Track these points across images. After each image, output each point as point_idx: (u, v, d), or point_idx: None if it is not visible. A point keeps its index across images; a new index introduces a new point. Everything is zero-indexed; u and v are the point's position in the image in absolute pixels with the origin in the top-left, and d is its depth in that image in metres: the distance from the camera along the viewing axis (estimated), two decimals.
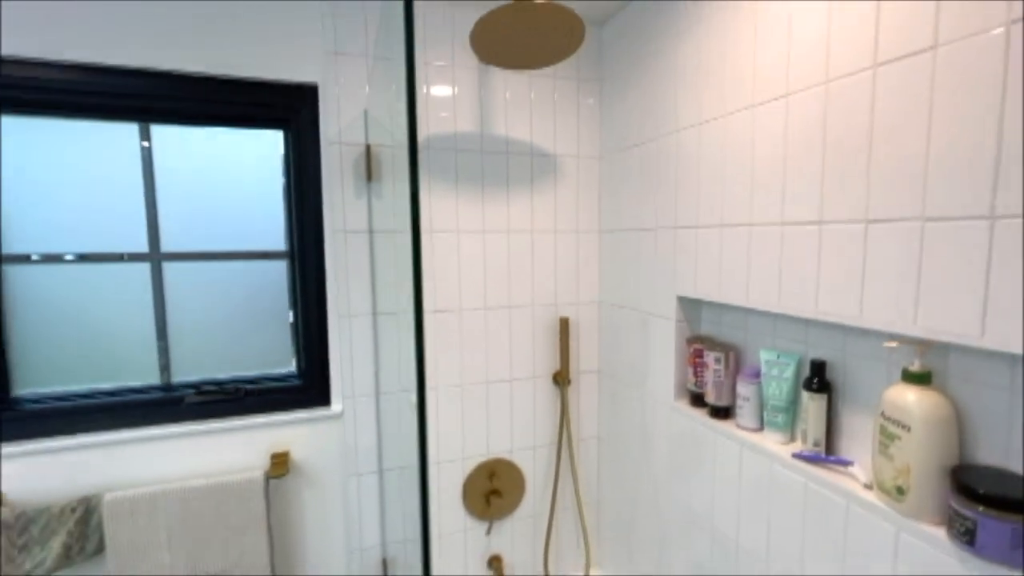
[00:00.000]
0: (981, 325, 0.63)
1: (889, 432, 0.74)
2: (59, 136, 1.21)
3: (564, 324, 1.50)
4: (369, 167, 1.31)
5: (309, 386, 1.37)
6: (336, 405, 1.36)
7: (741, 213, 1.00)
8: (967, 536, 0.65)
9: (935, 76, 0.67)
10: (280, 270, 1.39)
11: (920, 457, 0.70)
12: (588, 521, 1.60)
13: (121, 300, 1.27)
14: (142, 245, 1.27)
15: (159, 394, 1.29)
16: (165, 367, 1.30)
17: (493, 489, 1.51)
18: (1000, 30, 0.60)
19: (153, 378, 1.30)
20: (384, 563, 1.42)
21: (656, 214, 1.27)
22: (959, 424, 0.70)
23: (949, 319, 0.66)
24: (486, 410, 1.48)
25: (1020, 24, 0.59)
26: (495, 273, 1.45)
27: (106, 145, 1.24)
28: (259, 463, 1.30)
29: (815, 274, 0.85)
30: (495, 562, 1.54)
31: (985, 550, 0.63)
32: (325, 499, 1.37)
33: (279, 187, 1.36)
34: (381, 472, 1.40)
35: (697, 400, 1.19)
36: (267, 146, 1.35)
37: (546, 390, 1.55)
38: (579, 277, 1.55)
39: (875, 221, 0.75)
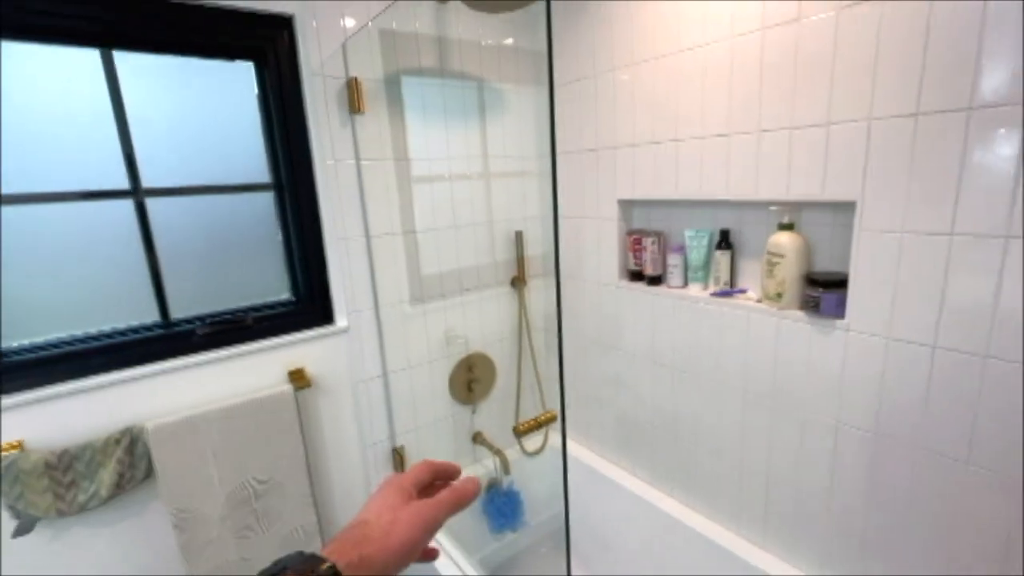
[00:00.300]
0: (822, 188, 1.11)
1: (772, 262, 1.23)
2: (22, 68, 1.10)
3: (519, 237, 1.81)
4: (352, 99, 1.41)
5: (311, 307, 1.49)
6: (341, 321, 1.52)
7: (668, 131, 1.40)
8: (815, 307, 1.15)
9: (801, 36, 1.10)
10: (266, 202, 1.44)
11: (792, 271, 1.19)
12: (544, 392, 2.00)
13: (109, 241, 1.23)
14: (122, 183, 1.23)
15: (162, 331, 1.31)
16: (163, 305, 1.31)
17: (473, 378, 1.82)
18: None
19: (152, 317, 1.31)
20: (393, 451, 1.66)
21: (597, 137, 1.62)
22: (808, 251, 1.21)
23: (807, 187, 1.14)
24: (462, 313, 1.75)
25: None
26: (461, 196, 1.68)
27: (71, 79, 1.15)
28: (280, 380, 1.42)
29: (725, 170, 1.29)
30: (478, 437, 1.88)
31: (825, 311, 1.14)
32: (339, 404, 1.54)
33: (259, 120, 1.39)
34: (386, 375, 1.60)
35: (635, 276, 1.62)
36: (246, 80, 1.36)
37: (507, 292, 1.87)
38: (525, 196, 1.86)
39: (765, 131, 1.19)
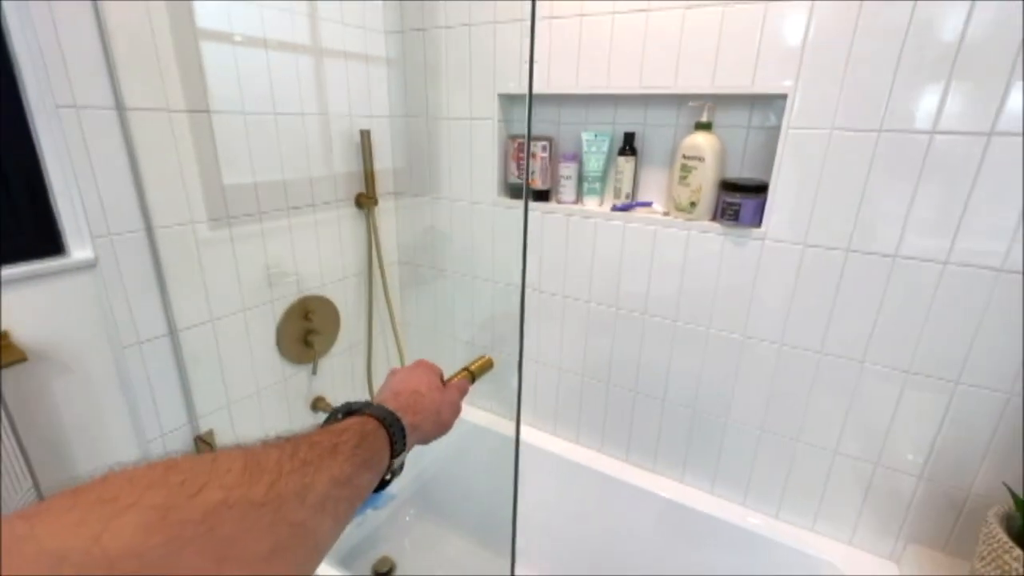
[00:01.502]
0: (752, 79, 0.99)
1: (688, 167, 1.09)
2: None
3: (366, 137, 1.36)
4: None
5: (13, 227, 0.85)
6: (80, 251, 0.91)
7: (571, 5, 1.13)
8: (733, 216, 1.06)
9: None
10: None
11: (709, 177, 1.07)
12: (402, 343, 1.65)
13: None
14: None
15: None
16: None
17: (310, 329, 1.36)
18: None
19: None
20: (197, 441, 1.15)
21: (470, 11, 1.25)
22: (724, 155, 1.10)
23: (735, 77, 1.00)
24: (290, 241, 1.27)
25: None
26: (280, 71, 1.16)
27: None
28: None
29: (639, 54, 1.08)
30: (320, 403, 1.45)
31: (744, 220, 1.06)
32: (90, 384, 0.96)
33: None
34: (174, 333, 1.06)
35: (515, 192, 1.36)
36: None
37: (350, 214, 1.42)
38: (369, 85, 1.40)
39: (692, 6, 1.01)
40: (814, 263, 1.02)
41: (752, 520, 1.21)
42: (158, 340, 1.04)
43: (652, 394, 1.28)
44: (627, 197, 1.22)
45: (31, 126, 0.84)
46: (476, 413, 1.60)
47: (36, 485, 0.86)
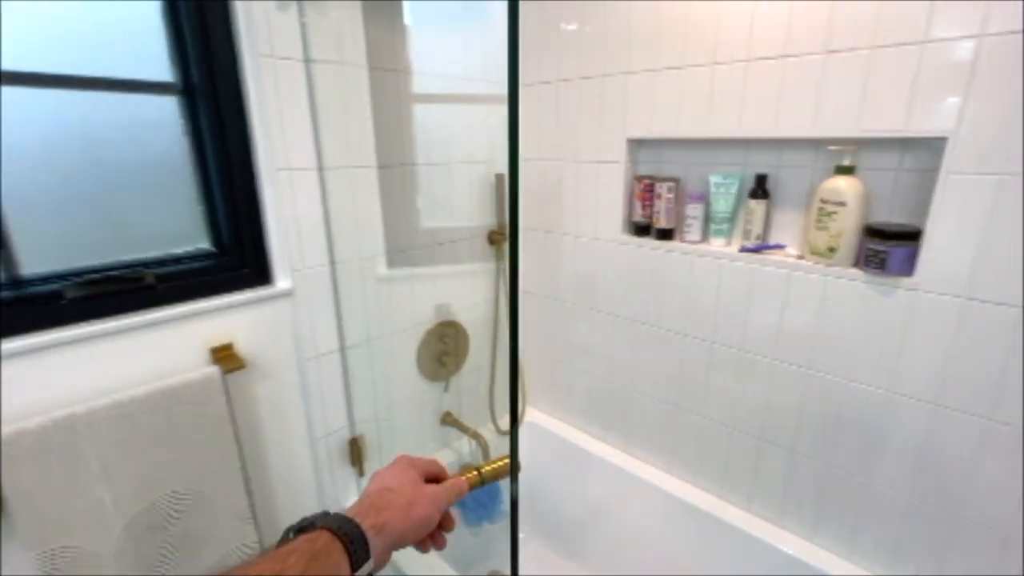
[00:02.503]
0: (907, 122, 0.94)
1: (827, 211, 1.06)
2: None
3: (500, 181, 1.51)
4: None
5: (241, 262, 1.11)
6: (283, 281, 1.14)
7: (702, 52, 1.16)
8: (879, 264, 1.00)
9: None
10: (170, 112, 1.01)
11: (851, 222, 1.03)
12: (523, 368, 1.76)
13: None
14: None
15: (7, 293, 0.87)
16: (5, 252, 0.87)
17: (444, 351, 1.53)
18: None
19: None
20: (352, 443, 1.34)
21: (604, 63, 1.34)
22: (868, 199, 1.05)
23: (884, 120, 0.96)
24: (433, 273, 1.44)
25: None
26: (435, 125, 1.35)
27: None
28: (201, 361, 1.04)
29: (775, 101, 1.08)
30: (448, 417, 1.60)
31: (891, 269, 0.99)
32: (282, 389, 1.19)
33: None
34: (343, 350, 1.26)
35: (640, 230, 1.40)
36: None
37: (482, 249, 1.57)
38: (507, 133, 1.54)
39: (834, 51, 0.99)
40: (979, 319, 0.92)
41: None
42: (331, 355, 1.25)
43: (779, 442, 1.23)
44: (758, 239, 1.20)
45: (259, 185, 1.09)
46: (594, 444, 1.64)
47: (244, 466, 1.08)
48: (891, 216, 1.04)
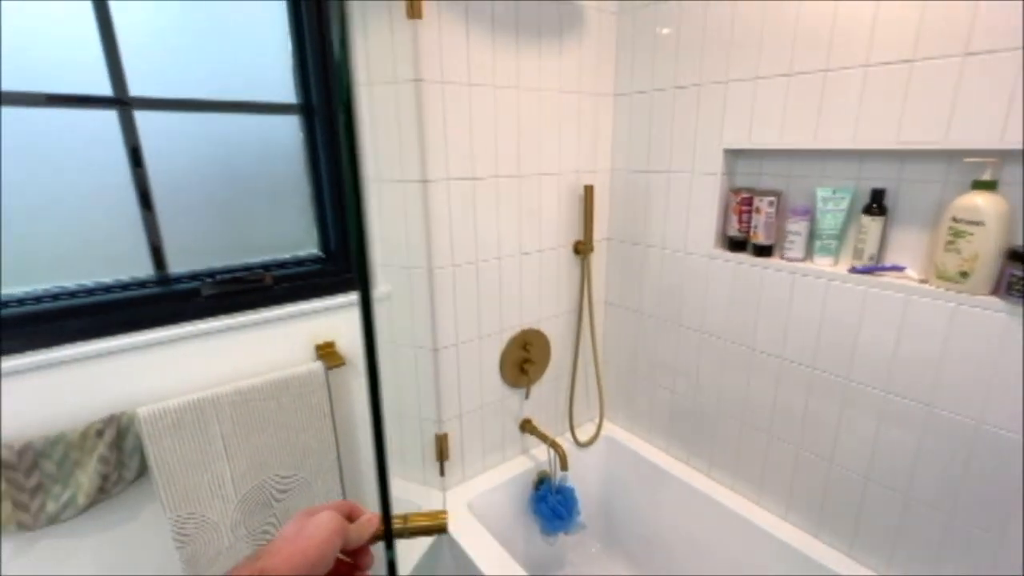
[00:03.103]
0: None
1: (959, 232, 0.94)
2: None
3: (589, 192, 1.50)
4: None
5: (345, 267, 1.20)
6: (382, 285, 1.22)
7: (814, 58, 1.09)
8: (1022, 291, 0.88)
9: None
10: (291, 131, 1.12)
11: (990, 244, 0.91)
12: (604, 379, 1.74)
13: (84, 168, 0.92)
14: (103, 89, 0.91)
15: (156, 289, 1.01)
16: (157, 254, 1.01)
17: (526, 358, 1.55)
18: None
19: (142, 270, 1.01)
20: (437, 439, 1.40)
21: (701, 70, 1.30)
22: (1010, 219, 0.92)
23: None
24: (519, 281, 1.47)
25: None
26: (527, 137, 1.37)
27: None
28: (306, 356, 1.14)
29: (899, 109, 0.99)
30: (527, 425, 1.62)
31: None
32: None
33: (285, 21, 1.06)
34: (435, 351, 1.32)
35: (735, 245, 1.34)
36: None
37: (568, 259, 1.57)
38: (596, 143, 1.54)
39: (972, 53, 0.89)
40: None
41: None
42: (424, 355, 1.32)
43: (890, 484, 1.11)
44: (871, 259, 1.10)
45: (365, 196, 1.17)
46: (675, 464, 1.58)
47: (339, 455, 1.17)
48: None
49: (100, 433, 0.87)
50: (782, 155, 1.24)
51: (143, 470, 0.94)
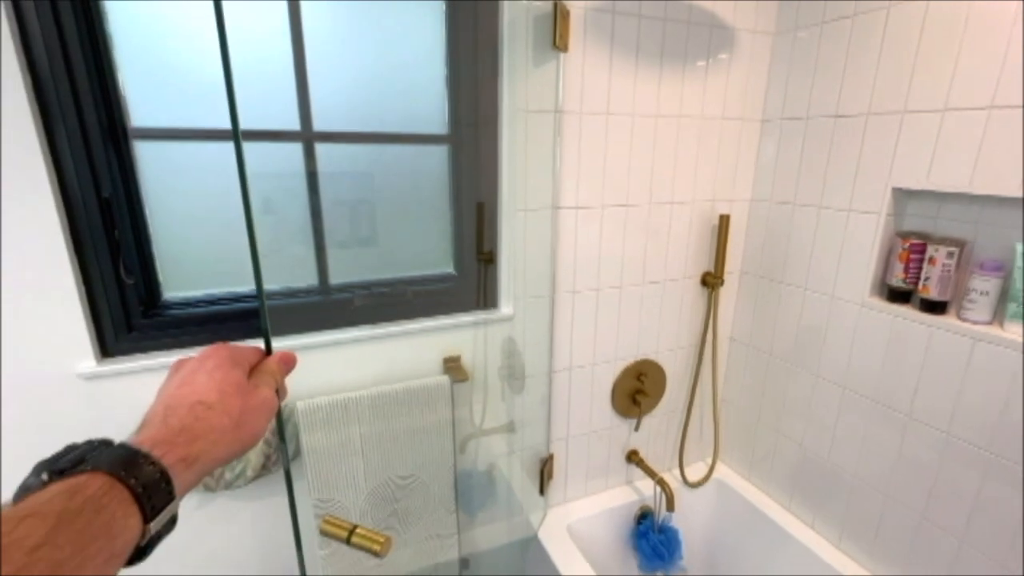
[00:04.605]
0: None
1: None
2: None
3: (724, 222, 1.42)
4: (556, 30, 1.11)
5: (475, 287, 1.27)
6: (506, 307, 1.28)
7: (1013, 88, 0.92)
8: None
9: None
10: (438, 160, 1.21)
11: None
12: (720, 419, 1.64)
13: (273, 189, 1.08)
14: (292, 124, 1.06)
15: (319, 297, 1.15)
16: (322, 267, 1.16)
17: (639, 389, 1.51)
18: None
19: (310, 280, 1.16)
20: (543, 461, 1.43)
21: (871, 98, 1.17)
22: None
23: None
24: (640, 310, 1.44)
25: None
26: (662, 164, 1.33)
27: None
28: (435, 368, 1.22)
29: None
30: (633, 456, 1.58)
31: None
32: (492, 402, 1.33)
33: (442, 61, 1.15)
34: (550, 374, 1.35)
35: (896, 296, 1.18)
36: (432, 16, 1.12)
37: (694, 291, 1.51)
38: (737, 171, 1.45)
39: None
40: None
41: None
42: (539, 377, 1.35)
43: None
44: None
45: (499, 221, 1.23)
46: (794, 523, 1.44)
47: (455, 464, 1.24)
48: None
49: None
50: (969, 199, 1.07)
51: (297, 454, 1.08)
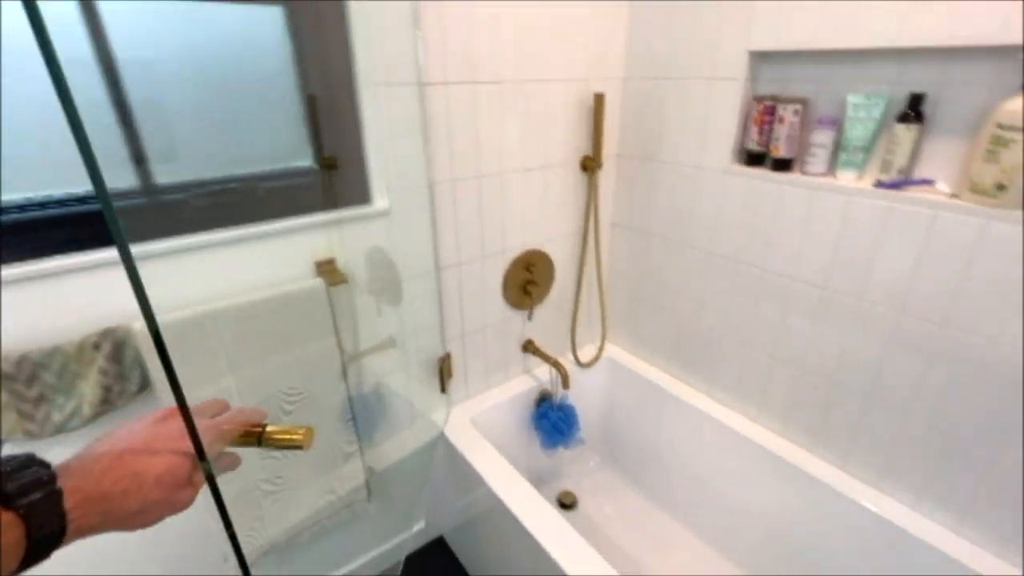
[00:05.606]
0: None
1: (1001, 139, 0.87)
2: None
3: (599, 101, 1.40)
4: None
5: (340, 181, 1.14)
6: (380, 201, 1.17)
7: None
8: None
9: None
10: (276, 26, 1.01)
11: None
12: (607, 302, 1.72)
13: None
14: None
15: (141, 200, 0.96)
16: (141, 163, 0.95)
17: (529, 280, 1.52)
18: None
19: (125, 181, 0.95)
20: (440, 360, 1.41)
21: None
22: None
23: None
24: (523, 199, 1.40)
25: None
26: (532, 37, 1.25)
27: None
28: (306, 273, 1.10)
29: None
30: (529, 345, 1.63)
31: None
32: (375, 305, 1.25)
33: None
34: (438, 271, 1.29)
35: (753, 160, 1.26)
36: None
37: (575, 176, 1.50)
38: (609, 46, 1.41)
39: None
40: None
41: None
42: (425, 276, 1.29)
43: (891, 404, 1.12)
44: (900, 172, 1.03)
45: (358, 101, 1.08)
46: (675, 384, 1.60)
47: (345, 372, 1.17)
48: None
49: (97, 346, 0.86)
50: (813, 58, 1.13)
51: (146, 383, 0.94)
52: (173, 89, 0.95)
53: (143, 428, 0.42)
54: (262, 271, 1.05)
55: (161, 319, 0.88)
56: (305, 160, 1.13)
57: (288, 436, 0.52)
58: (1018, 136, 0.85)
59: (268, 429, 0.52)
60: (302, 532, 1.24)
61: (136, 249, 0.86)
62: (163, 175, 0.98)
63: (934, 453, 1.08)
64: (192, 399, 0.95)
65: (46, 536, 0.32)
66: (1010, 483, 0.99)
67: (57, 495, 0.33)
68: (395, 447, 1.42)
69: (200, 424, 0.43)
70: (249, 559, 1.14)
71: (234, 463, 0.48)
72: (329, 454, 1.21)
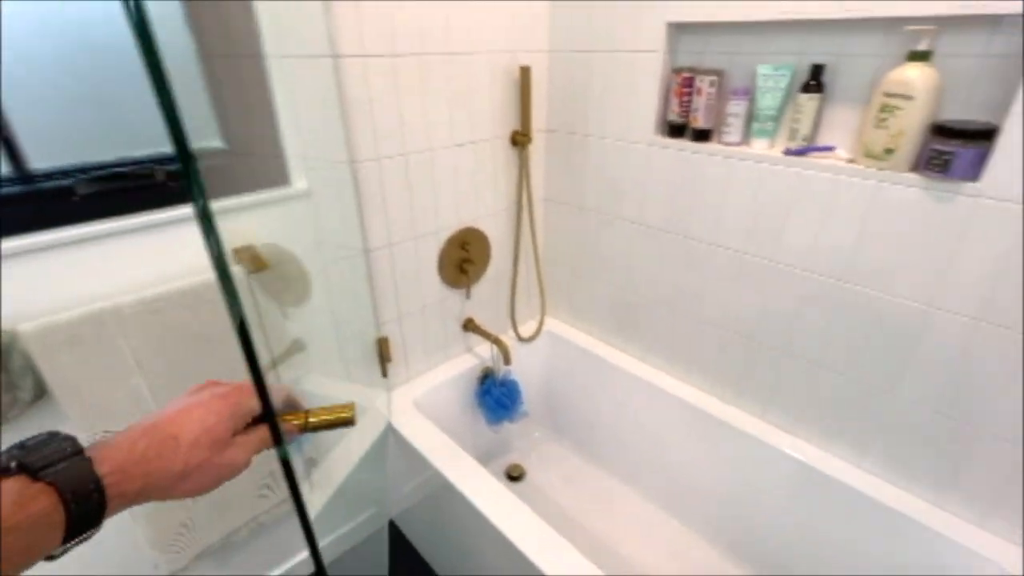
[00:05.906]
0: None
1: (889, 107, 0.94)
2: None
3: (525, 74, 1.38)
4: None
5: (254, 161, 1.06)
6: (299, 181, 1.11)
7: None
8: (942, 167, 0.91)
9: None
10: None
11: (916, 119, 0.92)
12: (544, 277, 1.74)
13: None
14: None
15: (17, 188, 0.86)
16: (10, 148, 0.84)
17: (465, 258, 1.50)
18: None
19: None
20: (377, 343, 1.37)
21: None
22: (940, 93, 0.93)
23: None
24: (454, 176, 1.38)
25: None
26: (454, 11, 1.21)
27: None
28: None
29: None
30: (469, 324, 1.62)
31: (955, 173, 0.90)
32: (309, 289, 1.20)
33: None
34: (367, 252, 1.25)
35: (675, 131, 1.30)
36: None
37: (505, 152, 1.49)
38: (532, 20, 1.39)
39: None
40: None
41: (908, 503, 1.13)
42: (354, 258, 1.24)
43: (802, 355, 1.21)
44: (804, 140, 1.10)
45: (267, 78, 1.01)
46: (614, 353, 1.65)
47: (273, 364, 1.12)
48: (966, 113, 0.92)
49: None
50: (727, 29, 1.17)
51: (42, 391, 0.85)
52: (47, 65, 0.85)
53: (176, 401, 0.42)
54: (173, 263, 0.97)
55: (48, 320, 0.81)
56: (214, 141, 1.05)
57: (335, 414, 0.52)
58: (903, 103, 0.92)
59: (311, 414, 0.51)
60: (239, 529, 1.19)
61: (9, 243, 0.77)
62: (40, 160, 0.87)
63: (840, 399, 1.19)
64: (96, 403, 0.88)
65: (86, 504, 0.32)
66: (903, 418, 1.10)
67: (87, 462, 0.33)
68: (342, 452, 1.38)
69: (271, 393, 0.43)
70: (182, 563, 1.09)
71: (294, 431, 0.49)
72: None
